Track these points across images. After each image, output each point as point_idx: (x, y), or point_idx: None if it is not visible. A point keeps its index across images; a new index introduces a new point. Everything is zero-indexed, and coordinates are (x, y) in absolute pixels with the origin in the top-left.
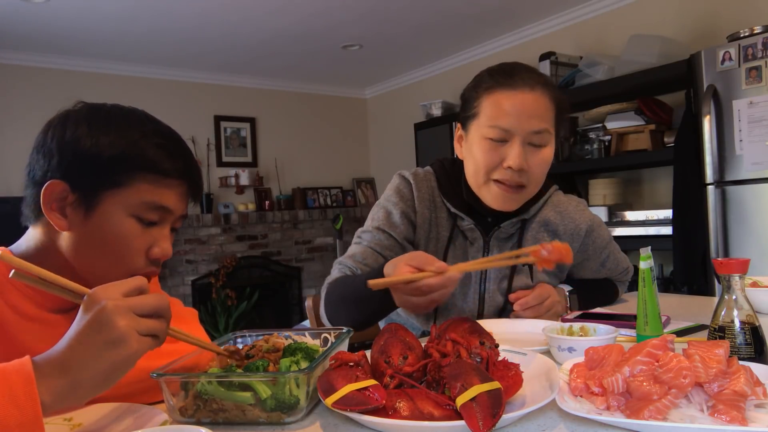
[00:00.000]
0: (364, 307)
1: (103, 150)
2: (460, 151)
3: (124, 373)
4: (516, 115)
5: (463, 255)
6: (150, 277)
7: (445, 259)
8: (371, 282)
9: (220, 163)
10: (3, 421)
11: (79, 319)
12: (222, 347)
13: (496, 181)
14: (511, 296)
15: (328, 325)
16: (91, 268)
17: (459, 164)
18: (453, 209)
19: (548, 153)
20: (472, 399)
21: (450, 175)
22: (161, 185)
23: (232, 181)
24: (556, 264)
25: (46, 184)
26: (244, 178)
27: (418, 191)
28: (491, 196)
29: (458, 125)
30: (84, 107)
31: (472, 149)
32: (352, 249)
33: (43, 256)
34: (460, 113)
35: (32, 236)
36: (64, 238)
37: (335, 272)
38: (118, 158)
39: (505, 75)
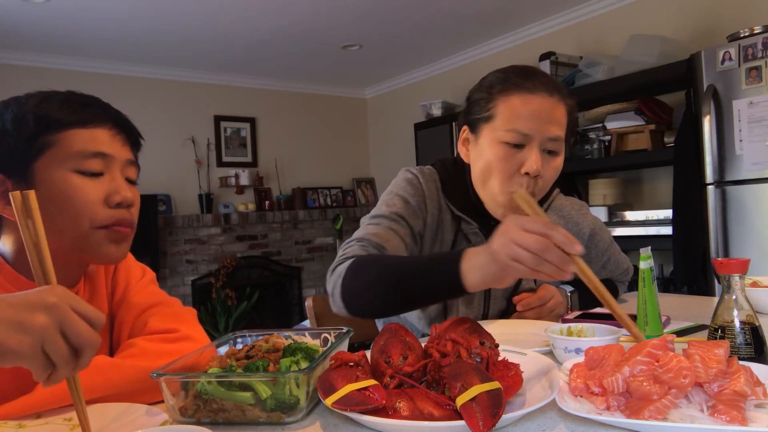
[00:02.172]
0: (429, 286)
1: (15, 129)
2: (466, 154)
3: None
4: (535, 120)
5: None
6: (126, 224)
7: None
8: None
9: (220, 163)
10: None
11: (27, 292)
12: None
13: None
14: (515, 298)
15: (338, 304)
16: (60, 237)
17: (461, 165)
18: (457, 212)
19: (560, 161)
20: (472, 399)
21: (453, 176)
22: (84, 133)
23: (232, 181)
24: None
25: None
26: (244, 178)
27: (427, 189)
28: (507, 209)
29: (464, 127)
30: None
31: (483, 153)
32: (371, 229)
33: (20, 257)
34: (467, 115)
35: (5, 241)
36: None
37: (356, 250)
38: (30, 128)
39: (523, 77)
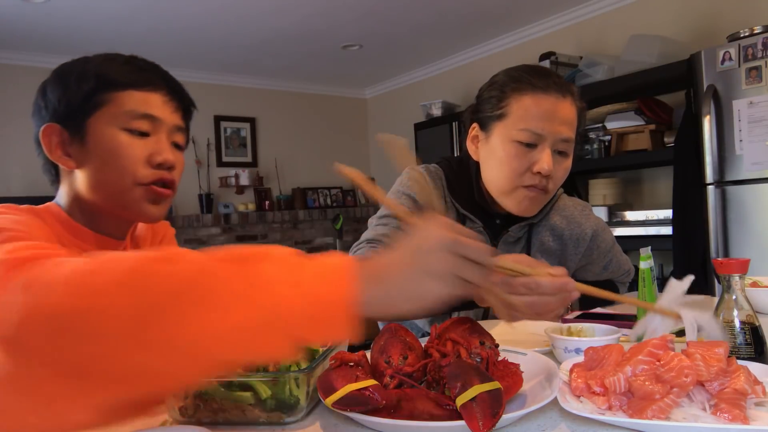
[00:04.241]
0: None
1: (76, 83)
2: (475, 152)
3: (432, 305)
4: (549, 120)
5: None
6: (166, 184)
7: None
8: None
9: (220, 163)
10: (318, 297)
11: (407, 241)
12: None
13: (526, 186)
14: None
15: None
16: (103, 189)
17: (466, 164)
18: (462, 210)
19: (569, 162)
20: (472, 399)
21: (458, 174)
22: (138, 95)
23: (232, 181)
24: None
25: (40, 131)
26: (244, 178)
27: (434, 187)
28: (517, 201)
29: (474, 125)
30: (55, 69)
31: (495, 151)
32: (380, 230)
33: (74, 205)
34: (478, 113)
35: (61, 192)
36: (79, 178)
37: (368, 252)
38: (90, 84)
39: (537, 77)
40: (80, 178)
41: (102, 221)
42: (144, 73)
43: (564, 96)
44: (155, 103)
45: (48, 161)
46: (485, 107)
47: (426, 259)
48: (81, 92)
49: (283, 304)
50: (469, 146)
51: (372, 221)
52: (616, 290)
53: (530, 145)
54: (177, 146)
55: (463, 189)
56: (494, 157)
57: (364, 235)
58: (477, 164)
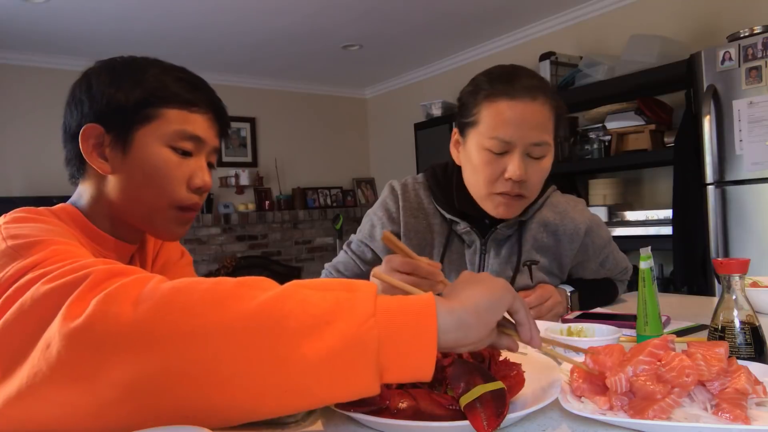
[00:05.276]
0: None
1: (127, 89)
2: (457, 156)
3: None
4: (517, 126)
5: (459, 259)
6: (196, 209)
7: (441, 264)
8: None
9: (220, 163)
10: (401, 334)
11: (481, 296)
12: None
13: (498, 193)
14: None
15: None
16: (138, 205)
17: (451, 169)
18: (448, 216)
19: (547, 163)
20: (476, 399)
21: (441, 181)
22: (188, 115)
23: (232, 181)
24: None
25: (82, 129)
26: (244, 178)
27: (404, 201)
28: (493, 206)
29: (455, 129)
30: (103, 61)
31: (471, 158)
32: (339, 257)
33: (97, 209)
34: (458, 117)
35: (82, 191)
36: (110, 183)
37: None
38: (144, 95)
39: (505, 82)
40: (112, 184)
41: (121, 227)
42: (196, 93)
43: (534, 99)
44: (202, 125)
45: (76, 157)
46: (462, 112)
47: (492, 315)
48: (133, 100)
49: (368, 332)
50: (452, 151)
51: (349, 238)
52: (615, 289)
53: (501, 153)
54: (210, 165)
55: (449, 193)
56: (470, 163)
57: (337, 257)
58: (460, 168)
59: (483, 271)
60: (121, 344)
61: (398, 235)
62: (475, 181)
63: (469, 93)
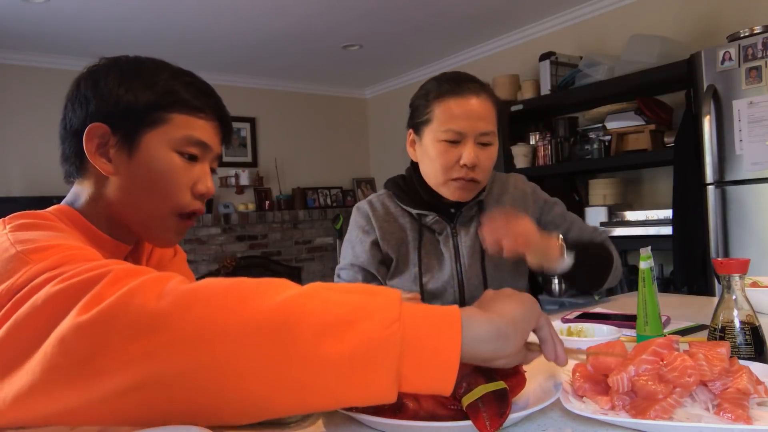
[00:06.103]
0: None
1: (137, 91)
2: (413, 154)
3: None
4: (466, 118)
5: (434, 247)
6: (197, 214)
7: (419, 256)
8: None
9: (220, 163)
10: (426, 345)
11: (515, 308)
12: None
13: (454, 179)
14: (481, 231)
15: None
16: (140, 210)
17: (410, 174)
18: (415, 211)
19: (495, 150)
20: (479, 399)
21: (403, 186)
22: (195, 121)
23: (232, 181)
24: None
25: (87, 128)
26: (244, 178)
27: (373, 213)
28: (450, 191)
29: (410, 131)
30: (110, 59)
31: (428, 152)
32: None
33: (95, 209)
34: (412, 120)
35: (80, 191)
36: (111, 184)
37: None
38: (154, 98)
39: (452, 83)
40: (113, 186)
41: (118, 228)
42: (205, 99)
43: (479, 95)
44: (209, 132)
45: (76, 155)
46: (416, 114)
47: (528, 326)
48: (143, 103)
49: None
50: (409, 150)
51: (337, 271)
52: (609, 255)
53: (455, 142)
54: (212, 170)
55: (412, 193)
56: (427, 156)
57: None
58: (417, 166)
59: (459, 251)
60: (142, 333)
61: (377, 243)
62: (433, 170)
63: (421, 96)
